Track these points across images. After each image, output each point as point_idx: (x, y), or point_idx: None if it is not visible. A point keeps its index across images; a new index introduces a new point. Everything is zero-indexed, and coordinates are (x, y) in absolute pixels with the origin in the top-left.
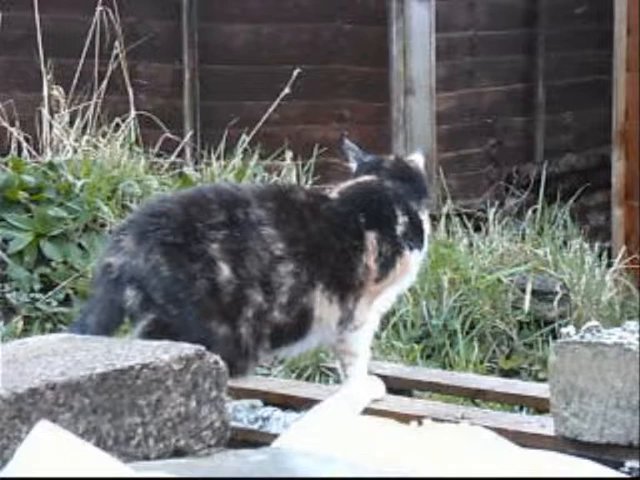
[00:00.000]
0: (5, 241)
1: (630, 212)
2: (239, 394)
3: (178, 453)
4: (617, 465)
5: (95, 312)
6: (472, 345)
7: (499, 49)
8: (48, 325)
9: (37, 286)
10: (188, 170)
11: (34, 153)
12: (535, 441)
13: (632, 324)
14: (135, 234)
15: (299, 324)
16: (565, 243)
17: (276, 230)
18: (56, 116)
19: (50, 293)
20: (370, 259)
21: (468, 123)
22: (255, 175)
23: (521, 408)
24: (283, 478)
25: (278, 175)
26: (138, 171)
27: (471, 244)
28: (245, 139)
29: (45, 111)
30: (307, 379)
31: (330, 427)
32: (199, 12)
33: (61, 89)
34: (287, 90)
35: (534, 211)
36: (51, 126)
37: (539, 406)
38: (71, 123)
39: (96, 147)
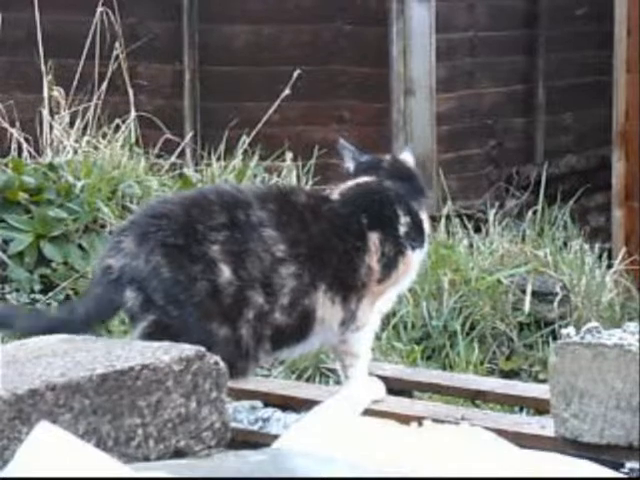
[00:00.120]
0: (5, 242)
1: (630, 213)
2: (239, 395)
3: (178, 454)
4: (617, 466)
5: (87, 304)
6: (472, 346)
7: (499, 50)
8: None
9: (37, 287)
10: (188, 171)
11: (34, 154)
12: (535, 442)
13: (632, 325)
14: (136, 235)
15: (301, 325)
16: (565, 244)
17: (277, 232)
18: (56, 117)
19: (50, 294)
20: (373, 260)
21: (468, 124)
22: (255, 176)
23: (521, 409)
24: (283, 478)
25: (278, 176)
26: (138, 172)
27: (471, 245)
28: (245, 140)
29: (45, 112)
30: (307, 380)
31: (330, 428)
32: (199, 13)
33: (61, 90)
34: (287, 91)
35: (534, 212)
36: (51, 127)
37: (539, 407)
38: (71, 124)
39: (96, 148)
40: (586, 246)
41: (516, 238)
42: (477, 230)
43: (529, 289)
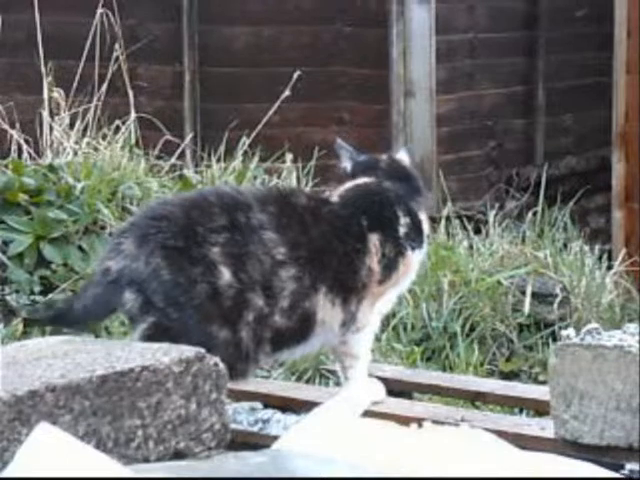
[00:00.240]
0: (5, 243)
1: (630, 214)
2: (239, 396)
3: (178, 455)
4: (617, 467)
5: (85, 302)
6: (472, 347)
7: (499, 51)
8: (48, 327)
9: (37, 288)
10: (188, 172)
11: (34, 155)
12: (535, 444)
13: (632, 326)
14: (136, 237)
15: (301, 328)
16: (565, 245)
17: (277, 234)
18: (56, 118)
19: (50, 295)
20: (373, 261)
21: (468, 125)
22: (255, 177)
23: (521, 411)
24: (283, 479)
25: (278, 177)
26: (138, 173)
27: (471, 246)
28: (245, 141)
29: (45, 113)
30: (307, 381)
31: (330, 429)
32: (199, 14)
33: (61, 91)
34: (287, 92)
35: (534, 213)
36: (51, 128)
37: (539, 409)
38: (71, 125)
39: (96, 149)
40: (586, 247)
41: (516, 239)
42: (477, 231)
43: (529, 290)
